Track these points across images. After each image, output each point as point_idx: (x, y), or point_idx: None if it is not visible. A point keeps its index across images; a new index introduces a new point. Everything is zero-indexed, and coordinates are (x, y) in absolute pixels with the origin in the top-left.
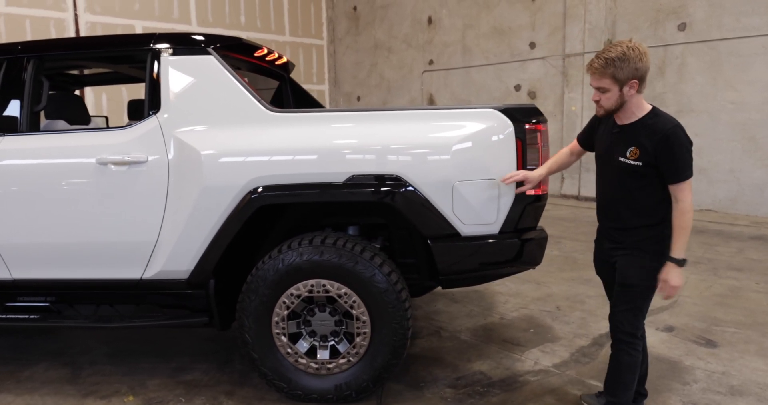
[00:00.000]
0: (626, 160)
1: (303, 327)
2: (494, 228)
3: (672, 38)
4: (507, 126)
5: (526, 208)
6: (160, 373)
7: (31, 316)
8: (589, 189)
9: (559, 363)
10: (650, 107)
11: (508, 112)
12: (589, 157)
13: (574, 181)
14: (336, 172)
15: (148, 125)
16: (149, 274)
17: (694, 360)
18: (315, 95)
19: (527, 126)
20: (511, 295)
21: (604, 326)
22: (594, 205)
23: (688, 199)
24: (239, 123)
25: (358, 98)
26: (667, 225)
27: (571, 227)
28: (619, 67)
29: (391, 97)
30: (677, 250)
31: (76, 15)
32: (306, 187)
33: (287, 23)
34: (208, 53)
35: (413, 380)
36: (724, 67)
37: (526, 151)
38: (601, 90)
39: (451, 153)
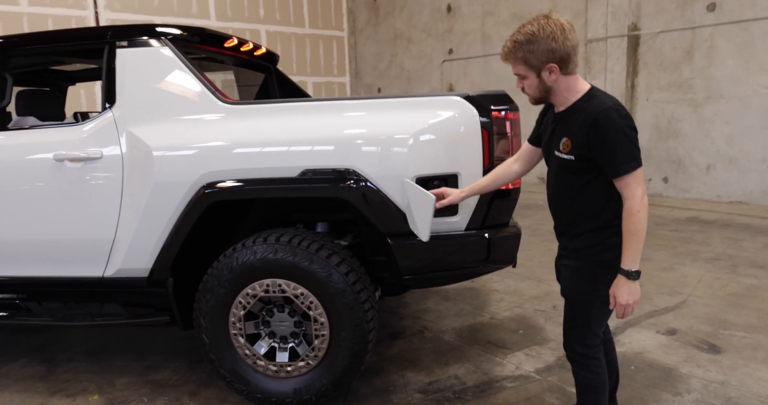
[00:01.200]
0: (560, 154)
1: (262, 328)
2: (459, 225)
3: (700, 20)
4: (472, 115)
5: (494, 203)
6: (131, 372)
7: (1, 314)
8: None
9: (543, 368)
10: (587, 88)
11: (473, 99)
12: None
13: None
14: (288, 167)
15: (104, 120)
16: (110, 272)
17: (692, 367)
18: (336, 88)
19: (495, 114)
20: (507, 292)
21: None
22: None
23: (637, 197)
24: (192, 116)
25: (379, 90)
26: (617, 231)
27: None
28: (528, 51)
29: (411, 88)
30: (627, 260)
31: (96, 12)
32: (258, 183)
33: (307, 15)
34: (164, 45)
35: (383, 384)
36: (757, 50)
37: (494, 142)
38: (519, 76)
39: (410, 145)
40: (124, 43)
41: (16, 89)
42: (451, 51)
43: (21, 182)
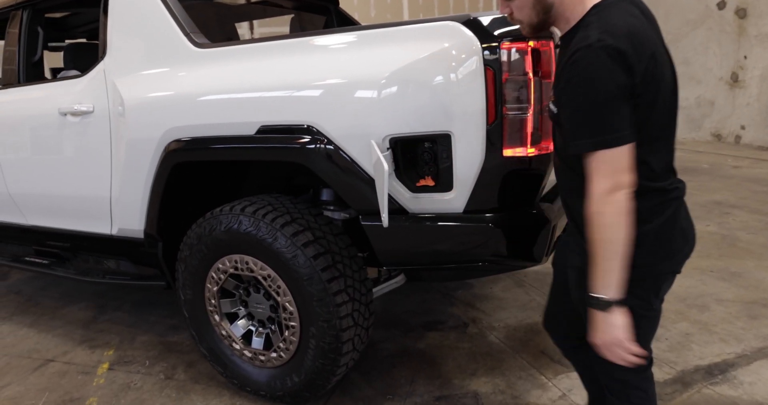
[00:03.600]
0: (550, 107)
1: (239, 307)
2: (454, 204)
3: None
4: (472, 47)
5: (509, 176)
6: (156, 329)
7: (44, 261)
8: None
9: None
10: (594, 1)
11: (475, 24)
12: None
13: None
14: (245, 122)
15: (95, 72)
16: (116, 231)
17: None
18: None
19: (505, 45)
20: None
21: (713, 351)
22: None
23: (597, 191)
24: (166, 63)
25: None
26: (639, 224)
27: (761, 194)
28: None
29: None
30: (594, 282)
31: None
32: (216, 141)
33: None
34: None
35: (385, 387)
36: None
37: (503, 88)
38: None
39: (383, 93)
40: None
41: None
42: None
43: (36, 135)
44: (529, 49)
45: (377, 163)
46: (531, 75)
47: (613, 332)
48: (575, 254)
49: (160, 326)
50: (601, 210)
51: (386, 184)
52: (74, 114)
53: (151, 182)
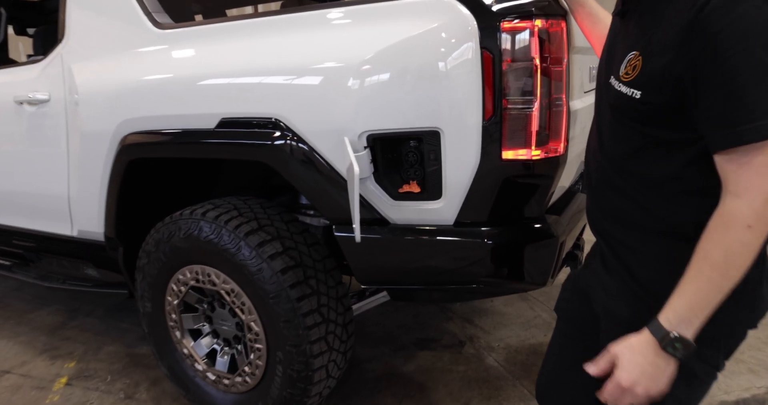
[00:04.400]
0: (618, 86)
1: (204, 324)
2: (443, 215)
3: None
4: (466, 27)
5: (509, 183)
6: (125, 339)
7: (6, 263)
8: None
9: None
10: None
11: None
12: None
13: None
14: (205, 114)
15: (53, 57)
16: (76, 232)
17: None
18: None
19: (507, 25)
20: None
21: (741, 384)
22: None
23: (759, 197)
24: (125, 46)
25: None
26: (686, 243)
27: None
28: None
29: None
30: (673, 307)
31: None
32: (170, 136)
33: None
34: None
35: None
36: None
37: (503, 77)
38: None
39: (360, 82)
40: None
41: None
42: None
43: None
44: (537, 29)
45: (349, 165)
46: (538, 61)
47: (654, 378)
48: (620, 301)
49: (131, 335)
50: (751, 222)
51: (356, 191)
52: (30, 103)
53: (107, 180)
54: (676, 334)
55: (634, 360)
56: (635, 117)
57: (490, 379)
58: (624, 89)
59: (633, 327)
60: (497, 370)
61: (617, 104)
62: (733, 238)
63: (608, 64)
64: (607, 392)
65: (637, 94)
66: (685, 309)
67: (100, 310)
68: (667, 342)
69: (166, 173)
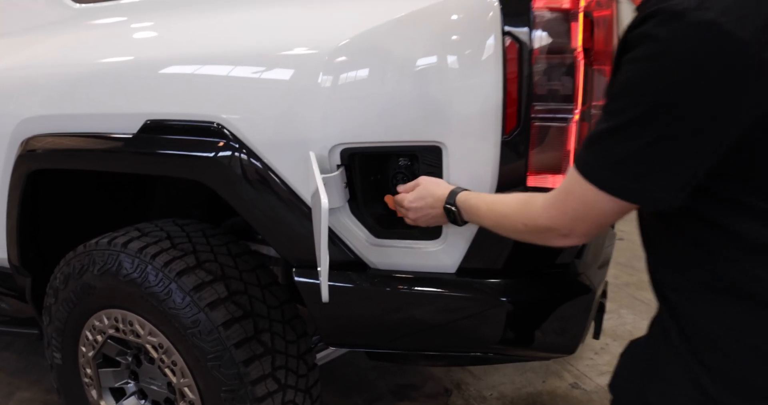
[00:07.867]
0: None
1: (127, 381)
2: (444, 260)
3: None
4: (484, 6)
5: None
6: (45, 382)
7: None
8: None
9: None
10: None
11: None
12: None
13: None
14: (126, 113)
15: None
16: None
17: None
18: None
19: (539, 4)
20: (620, 334)
21: None
22: None
23: (544, 213)
24: (38, 25)
25: None
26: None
27: None
28: None
29: None
30: (470, 202)
31: None
32: (84, 142)
33: None
34: None
35: None
36: None
37: (533, 74)
38: None
39: (331, 77)
40: None
41: None
42: None
43: None
44: (580, 12)
45: (315, 192)
46: (581, 54)
47: (423, 212)
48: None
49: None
50: (529, 228)
51: (324, 226)
52: None
53: (6, 195)
54: (455, 208)
55: (426, 193)
56: None
57: None
58: None
59: None
60: None
61: None
62: (513, 219)
63: None
64: (395, 199)
65: None
66: (471, 208)
67: (19, 343)
68: (450, 204)
69: (84, 187)
